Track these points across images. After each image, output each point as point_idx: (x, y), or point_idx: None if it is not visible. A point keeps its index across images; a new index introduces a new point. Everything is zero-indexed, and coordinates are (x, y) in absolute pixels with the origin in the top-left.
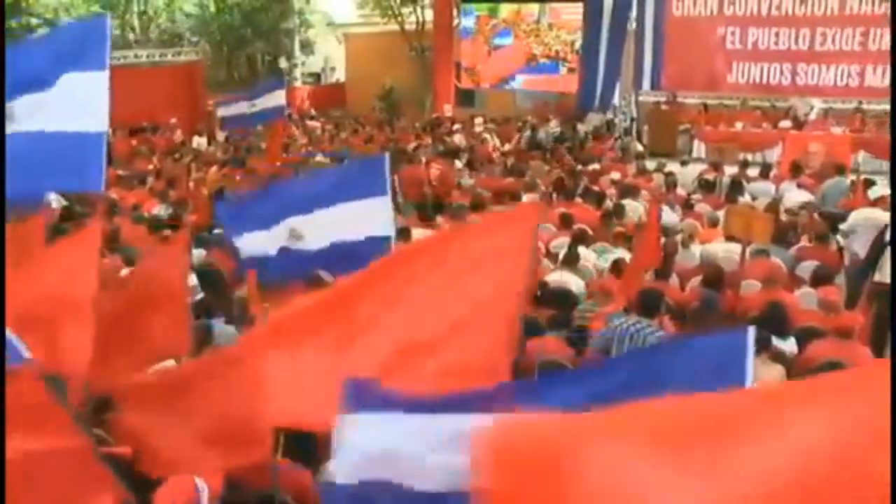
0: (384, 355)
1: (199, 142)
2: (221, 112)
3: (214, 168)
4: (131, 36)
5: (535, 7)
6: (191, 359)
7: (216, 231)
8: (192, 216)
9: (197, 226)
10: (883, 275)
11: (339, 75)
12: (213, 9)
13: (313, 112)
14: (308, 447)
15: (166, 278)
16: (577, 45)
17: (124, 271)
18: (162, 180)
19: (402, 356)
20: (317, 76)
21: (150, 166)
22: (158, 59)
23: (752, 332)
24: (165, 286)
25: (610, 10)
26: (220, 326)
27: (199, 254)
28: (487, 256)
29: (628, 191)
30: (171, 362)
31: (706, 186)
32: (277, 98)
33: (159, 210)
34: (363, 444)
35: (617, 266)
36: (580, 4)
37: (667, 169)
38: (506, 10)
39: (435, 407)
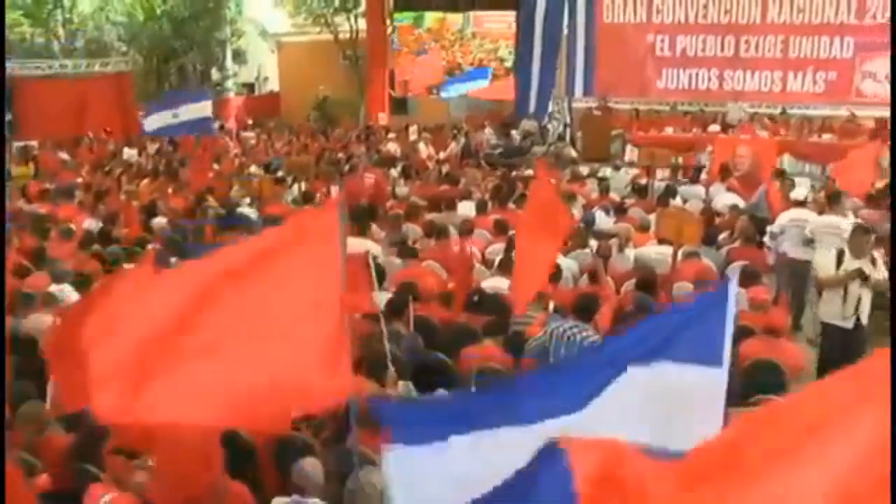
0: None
1: (130, 154)
2: (147, 124)
3: (147, 180)
4: (56, 45)
5: (459, 17)
6: None
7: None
8: (124, 230)
9: (128, 240)
10: (827, 315)
11: (273, 85)
12: (141, 17)
13: (250, 121)
14: (248, 464)
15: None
16: (500, 53)
17: (53, 288)
18: (91, 194)
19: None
20: (250, 86)
21: (79, 179)
22: (86, 70)
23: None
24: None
25: (542, 17)
26: None
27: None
28: (294, 262)
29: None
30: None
31: (639, 191)
32: (203, 110)
33: (89, 224)
34: (421, 476)
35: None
36: (503, 13)
37: (600, 174)
38: (430, 20)
39: (466, 424)
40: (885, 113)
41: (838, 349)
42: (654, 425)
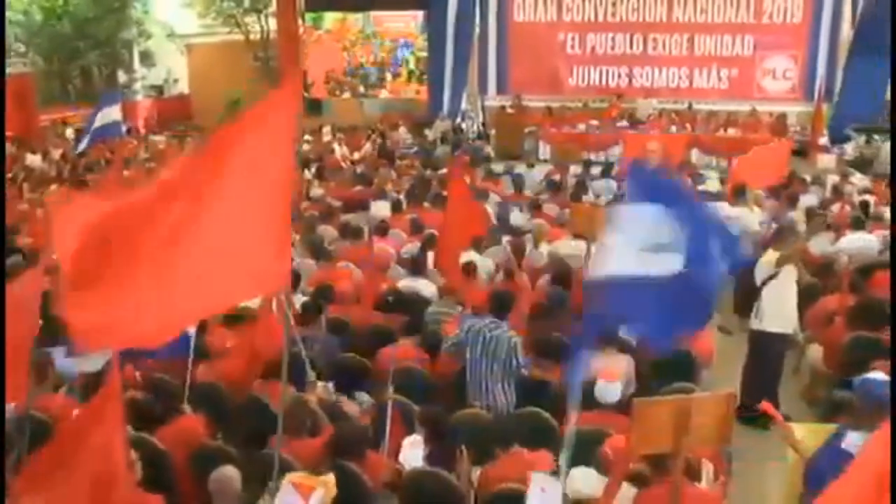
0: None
1: (32, 159)
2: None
3: (54, 187)
4: None
5: (359, 17)
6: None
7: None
8: (28, 239)
9: (34, 250)
10: (761, 322)
11: (183, 87)
12: (39, 17)
13: (157, 125)
14: (163, 475)
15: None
16: (400, 51)
17: None
18: None
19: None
20: (159, 89)
21: None
22: None
23: None
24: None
25: (454, 17)
26: (63, 360)
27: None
28: (252, 153)
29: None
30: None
31: (552, 186)
32: (114, 113)
33: None
34: None
35: (468, 268)
36: (403, 13)
37: (515, 171)
38: (330, 20)
39: None
40: (784, 108)
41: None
42: None
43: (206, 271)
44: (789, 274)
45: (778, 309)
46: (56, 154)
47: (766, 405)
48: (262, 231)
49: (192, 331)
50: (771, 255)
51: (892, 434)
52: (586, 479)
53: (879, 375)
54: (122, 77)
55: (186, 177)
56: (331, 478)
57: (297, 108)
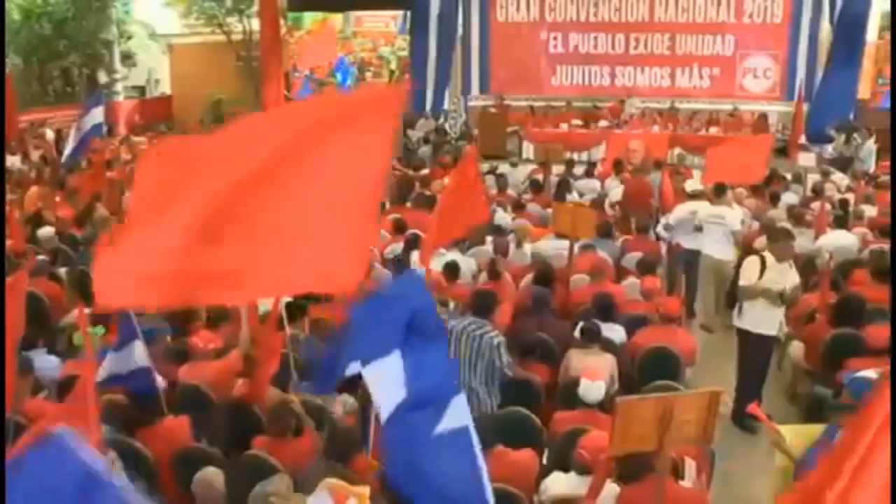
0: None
1: (11, 161)
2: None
3: (35, 189)
4: None
5: (339, 17)
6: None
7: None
8: (8, 241)
9: (14, 252)
10: (743, 321)
11: (165, 88)
12: (17, 17)
13: (139, 126)
14: (148, 477)
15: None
16: (380, 51)
17: None
18: None
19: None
20: (141, 89)
21: None
22: None
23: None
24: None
25: (436, 17)
26: (41, 358)
27: None
28: (347, 138)
29: None
30: None
31: (535, 186)
32: (97, 115)
33: None
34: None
35: (450, 268)
36: (383, 13)
37: (498, 171)
38: (309, 21)
39: None
40: (765, 108)
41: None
42: None
43: (278, 251)
44: (777, 274)
45: (761, 310)
46: (35, 155)
47: (753, 408)
48: (343, 230)
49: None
50: (753, 265)
51: (892, 434)
52: (568, 479)
53: (870, 373)
54: (102, 78)
55: (279, 147)
56: (366, 490)
57: (397, 121)
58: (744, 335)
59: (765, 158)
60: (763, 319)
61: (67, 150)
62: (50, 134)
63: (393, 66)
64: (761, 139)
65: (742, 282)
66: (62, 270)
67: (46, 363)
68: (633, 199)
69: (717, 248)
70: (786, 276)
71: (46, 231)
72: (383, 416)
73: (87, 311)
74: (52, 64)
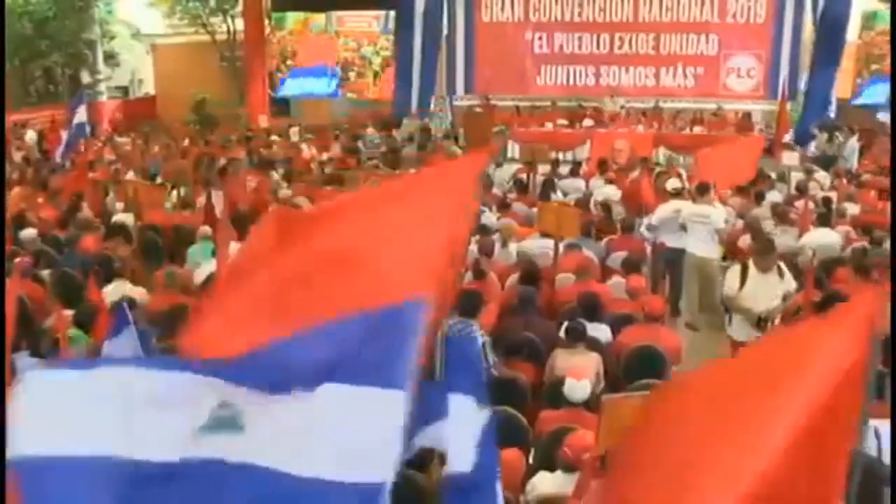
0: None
1: None
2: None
3: (17, 189)
4: None
5: (321, 18)
6: None
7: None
8: None
9: None
10: (732, 330)
11: (149, 88)
12: None
13: (123, 126)
14: None
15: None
16: (363, 51)
17: None
18: None
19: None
20: (124, 89)
21: None
22: None
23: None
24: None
25: (421, 16)
26: (24, 360)
27: None
28: (432, 207)
29: None
30: None
31: (520, 185)
32: (80, 115)
33: None
34: None
35: None
36: (365, 13)
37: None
38: (292, 21)
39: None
40: (749, 107)
41: None
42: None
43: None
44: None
45: (745, 323)
46: (18, 156)
47: None
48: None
49: None
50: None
51: (894, 433)
52: (554, 478)
53: None
54: (85, 78)
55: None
56: None
57: (480, 178)
58: (735, 344)
59: (755, 160)
60: (750, 332)
61: (60, 149)
62: (32, 135)
63: (376, 66)
64: (753, 141)
65: (725, 290)
66: (45, 272)
67: (30, 366)
68: (632, 199)
69: (701, 246)
70: (770, 287)
71: (29, 232)
72: None
73: (67, 313)
74: (33, 64)
